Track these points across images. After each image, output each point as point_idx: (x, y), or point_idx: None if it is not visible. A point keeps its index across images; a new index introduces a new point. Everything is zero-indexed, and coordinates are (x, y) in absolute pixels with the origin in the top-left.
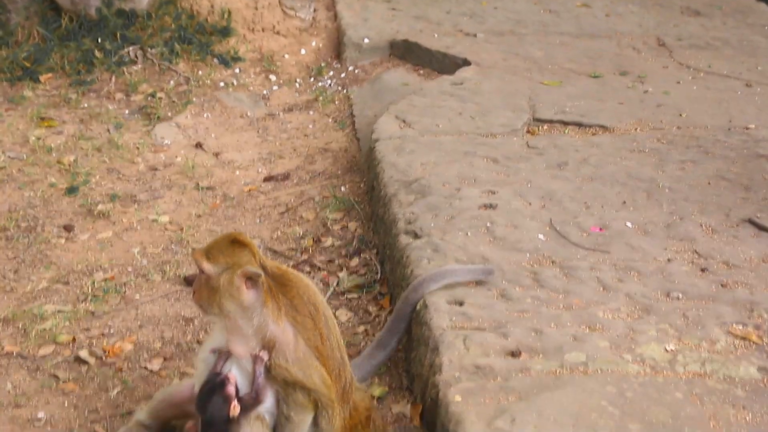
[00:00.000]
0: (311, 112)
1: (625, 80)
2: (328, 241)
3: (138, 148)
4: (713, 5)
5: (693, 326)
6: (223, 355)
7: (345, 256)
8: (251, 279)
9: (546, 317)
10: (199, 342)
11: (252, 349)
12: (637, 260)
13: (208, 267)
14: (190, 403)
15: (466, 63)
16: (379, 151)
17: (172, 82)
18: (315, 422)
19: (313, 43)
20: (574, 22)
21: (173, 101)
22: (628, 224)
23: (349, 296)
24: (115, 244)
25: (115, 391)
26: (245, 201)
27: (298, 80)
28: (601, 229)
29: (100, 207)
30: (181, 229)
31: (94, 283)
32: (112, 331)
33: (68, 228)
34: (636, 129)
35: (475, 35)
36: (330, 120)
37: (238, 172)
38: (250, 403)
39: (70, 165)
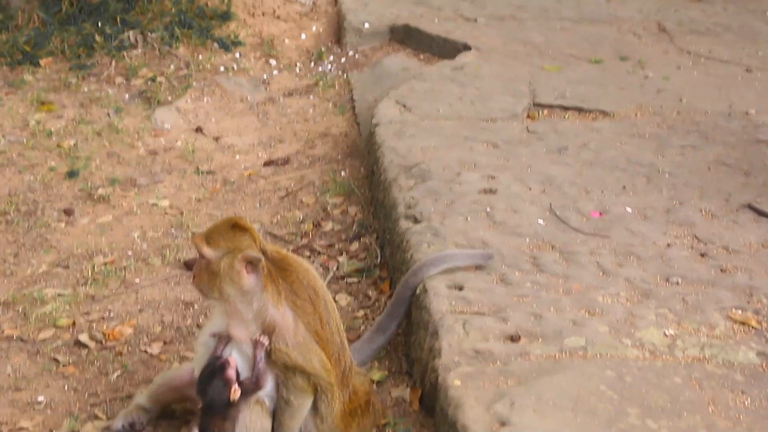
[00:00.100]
0: (311, 97)
1: (625, 65)
2: (328, 226)
3: (138, 132)
4: None
5: (692, 311)
6: (223, 339)
7: (345, 240)
8: (251, 263)
9: (545, 302)
10: (198, 326)
11: (252, 334)
12: (637, 245)
13: (208, 251)
14: (190, 387)
15: (466, 48)
16: (379, 135)
17: (172, 66)
18: (314, 406)
19: (314, 28)
20: (575, 7)
21: (173, 85)
22: (628, 209)
23: (349, 280)
24: (115, 228)
25: (115, 375)
26: (245, 185)
27: (298, 65)
28: (600, 213)
29: (100, 191)
30: (181, 214)
31: (94, 267)
32: (112, 314)
33: (68, 212)
34: (636, 114)
35: (475, 20)
36: (330, 105)
37: (238, 157)
38: (251, 387)
39: (70, 149)
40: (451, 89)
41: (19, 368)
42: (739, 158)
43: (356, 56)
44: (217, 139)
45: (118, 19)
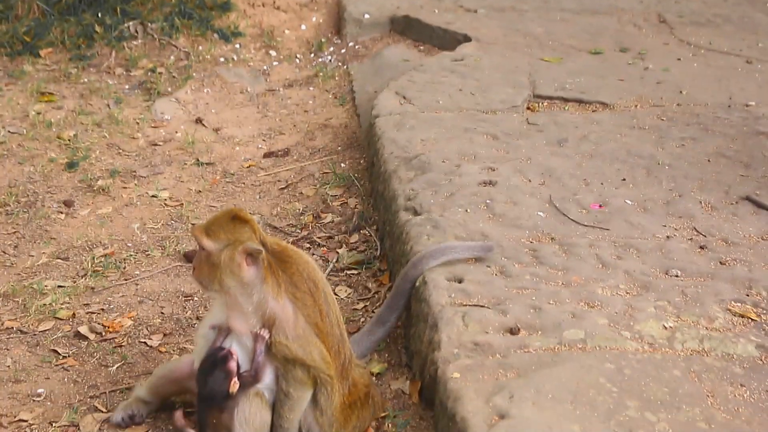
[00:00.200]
0: (311, 88)
1: (625, 57)
2: (328, 218)
3: (138, 123)
4: None
5: (691, 303)
6: (223, 331)
7: (345, 232)
8: (252, 255)
9: (545, 294)
10: (198, 318)
11: (252, 326)
12: (637, 237)
13: (208, 243)
14: (190, 379)
15: (466, 39)
16: (379, 127)
17: (172, 57)
18: (314, 398)
19: (314, 19)
20: None
21: (173, 76)
22: (628, 201)
23: (349, 272)
24: (115, 219)
25: (115, 367)
26: (245, 177)
27: (298, 56)
28: (600, 206)
29: (99, 182)
30: (181, 205)
31: (93, 258)
32: (111, 306)
33: (68, 203)
34: (636, 106)
35: (475, 11)
36: (330, 96)
37: (238, 148)
38: (249, 380)
39: (69, 140)
40: (451, 81)
41: (18, 360)
42: (739, 150)
43: (356, 47)
44: (217, 130)
45: (118, 9)
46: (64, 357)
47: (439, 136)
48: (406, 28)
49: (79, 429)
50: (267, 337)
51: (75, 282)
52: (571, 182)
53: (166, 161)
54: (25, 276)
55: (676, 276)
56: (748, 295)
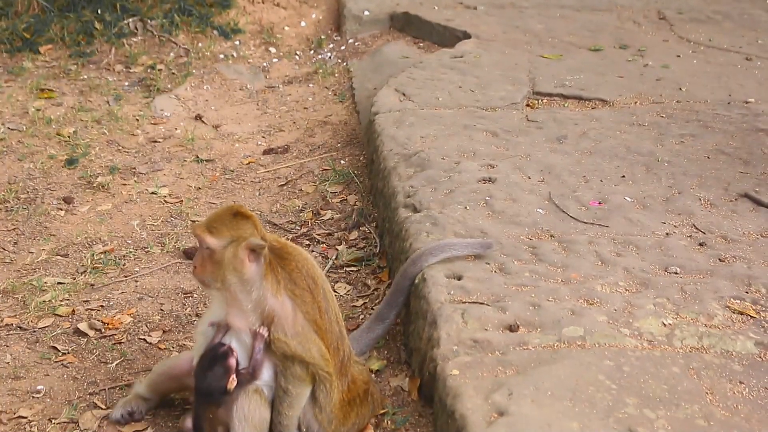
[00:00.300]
0: (311, 85)
1: (625, 54)
2: (328, 215)
3: (137, 120)
4: None
5: (691, 300)
6: (222, 328)
7: (344, 229)
8: (254, 251)
9: (544, 291)
10: (197, 315)
11: (251, 324)
12: (636, 234)
13: (212, 241)
14: (189, 376)
15: (466, 36)
16: (379, 124)
17: (171, 53)
18: (313, 395)
19: (313, 15)
20: None
21: (173, 73)
22: (627, 198)
23: (348, 269)
24: (115, 216)
25: (114, 364)
26: (244, 174)
27: (297, 53)
28: (600, 203)
29: (99, 179)
30: (181, 202)
31: (93, 255)
32: (111, 303)
33: (68, 200)
34: (636, 103)
35: (475, 8)
36: (330, 93)
37: (237, 145)
38: (247, 378)
39: (69, 137)
40: (451, 78)
41: (18, 357)
42: (739, 147)
43: (356, 44)
44: (216, 127)
45: (118, 6)
46: (64, 354)
47: (438, 133)
48: (406, 24)
49: (78, 426)
50: (266, 334)
51: (74, 279)
52: (570, 179)
53: (166, 158)
54: (25, 273)
55: (676, 273)
56: (747, 292)
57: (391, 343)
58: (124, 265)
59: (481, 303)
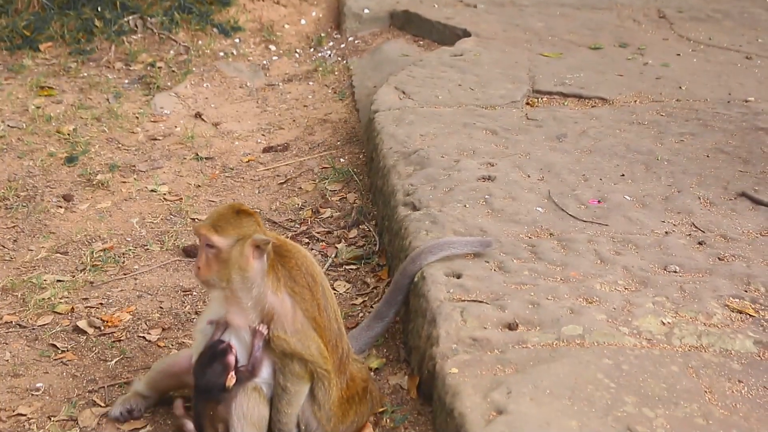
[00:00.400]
0: (311, 83)
1: (625, 52)
2: (327, 213)
3: (137, 117)
4: None
5: (690, 299)
6: (221, 326)
7: (343, 227)
8: (258, 248)
9: (543, 290)
10: (197, 313)
11: (251, 321)
12: (635, 233)
13: (219, 240)
14: (188, 374)
15: (466, 34)
16: (379, 122)
17: (171, 51)
18: (312, 393)
19: (313, 13)
20: None
21: (173, 71)
22: (627, 197)
23: (348, 267)
24: (114, 214)
25: (114, 361)
26: (244, 172)
27: (297, 50)
28: (599, 201)
29: (99, 177)
30: (180, 200)
31: (93, 253)
32: (110, 301)
33: (67, 197)
34: (635, 101)
35: (475, 6)
36: (329, 91)
37: (237, 143)
38: (245, 375)
39: (69, 134)
40: (451, 76)
41: (17, 354)
42: (738, 146)
43: (356, 42)
44: (216, 125)
45: (118, 3)
46: (63, 351)
47: (438, 131)
48: (406, 23)
49: (77, 423)
50: (265, 332)
51: (74, 276)
52: (570, 178)
53: (166, 156)
54: (24, 270)
55: (675, 272)
56: (746, 291)
57: (391, 341)
58: (123, 262)
59: (481, 301)
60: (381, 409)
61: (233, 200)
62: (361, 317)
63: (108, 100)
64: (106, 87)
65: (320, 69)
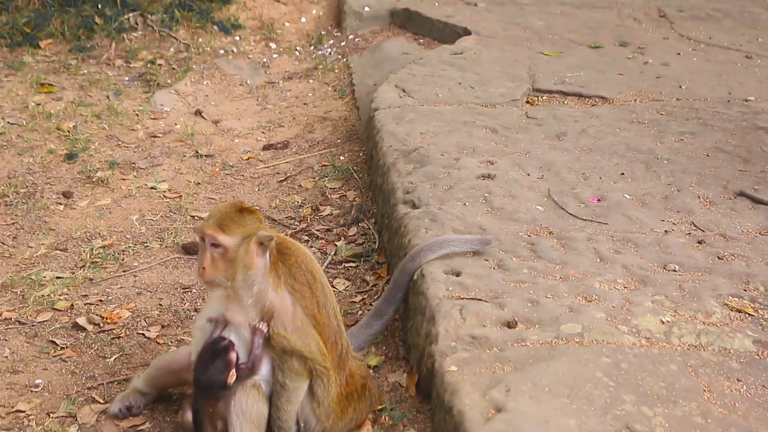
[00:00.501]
0: (311, 81)
1: (625, 51)
2: (327, 210)
3: (137, 115)
4: None
5: (689, 298)
6: (220, 323)
7: (343, 225)
8: (262, 245)
9: (542, 288)
10: (196, 310)
11: (251, 319)
12: (635, 232)
13: (226, 239)
14: (187, 371)
15: (466, 32)
16: (379, 120)
17: (172, 49)
18: (311, 390)
19: (314, 11)
20: None
21: (173, 68)
22: (626, 195)
23: (347, 265)
24: (114, 211)
25: (113, 358)
26: (244, 169)
27: (298, 48)
28: (599, 200)
29: (99, 174)
30: (180, 197)
31: (92, 250)
32: (110, 298)
33: (67, 194)
34: (635, 100)
35: (475, 4)
36: (330, 89)
37: (237, 140)
38: (245, 373)
39: (69, 131)
40: (451, 74)
41: (16, 351)
42: (738, 145)
43: (356, 40)
44: (216, 122)
45: (118, 1)
46: (62, 348)
47: (438, 130)
48: (406, 21)
49: (76, 420)
50: (265, 330)
51: (73, 273)
52: (569, 176)
53: (166, 153)
54: (24, 267)
55: (674, 270)
56: (745, 290)
57: (390, 338)
58: (123, 259)
59: (480, 299)
60: (380, 407)
61: (233, 198)
62: (361, 315)
63: (108, 97)
64: (107, 84)
65: (320, 67)
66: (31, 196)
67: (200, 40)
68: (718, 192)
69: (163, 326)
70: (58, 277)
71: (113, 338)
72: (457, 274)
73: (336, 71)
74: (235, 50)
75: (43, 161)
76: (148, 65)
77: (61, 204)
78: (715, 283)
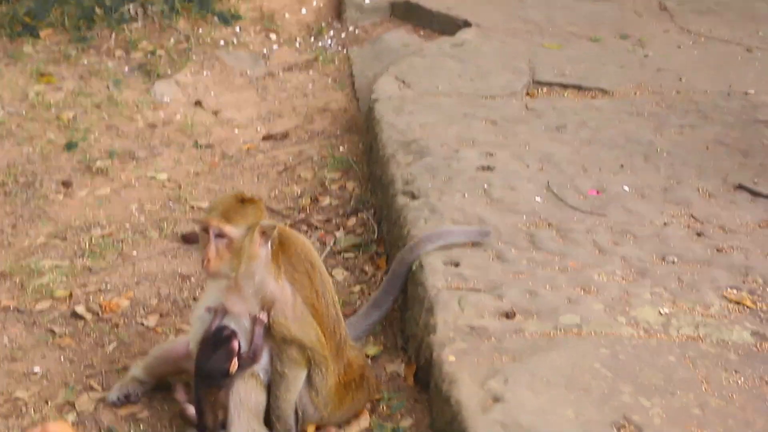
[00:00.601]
0: (311, 72)
1: (625, 44)
2: (326, 201)
3: (137, 105)
4: None
5: (687, 290)
6: (219, 313)
7: (342, 215)
8: (265, 234)
9: (541, 279)
10: (195, 299)
11: (251, 308)
12: (634, 224)
13: (231, 230)
14: (186, 360)
15: (466, 24)
16: (379, 111)
17: (172, 39)
18: (309, 379)
19: (314, 3)
20: None
21: (173, 59)
22: (626, 188)
23: (346, 256)
24: (113, 200)
25: (111, 347)
26: (244, 159)
27: (298, 39)
28: (598, 192)
29: (98, 163)
30: (179, 187)
31: (91, 239)
32: (108, 286)
33: (66, 184)
34: (635, 93)
35: None
36: (329, 80)
37: (237, 131)
38: (247, 361)
39: (69, 121)
40: (451, 66)
41: (15, 339)
42: (738, 138)
43: (356, 31)
44: (216, 113)
45: None
46: (61, 336)
47: (438, 121)
48: (407, 12)
49: (74, 407)
50: (266, 320)
51: (72, 262)
52: (569, 168)
53: (165, 143)
54: (23, 255)
55: (673, 262)
56: (744, 282)
57: (388, 329)
58: (122, 249)
59: (478, 290)
60: (378, 396)
61: (232, 188)
62: (359, 305)
63: (108, 87)
64: (106, 74)
65: (320, 58)
66: (30, 185)
67: (200, 30)
68: (718, 184)
69: (161, 315)
70: (57, 266)
71: (112, 327)
72: (456, 265)
73: (336, 63)
74: (235, 41)
75: (42, 151)
76: (148, 56)
77: (60, 193)
78: (713, 275)
